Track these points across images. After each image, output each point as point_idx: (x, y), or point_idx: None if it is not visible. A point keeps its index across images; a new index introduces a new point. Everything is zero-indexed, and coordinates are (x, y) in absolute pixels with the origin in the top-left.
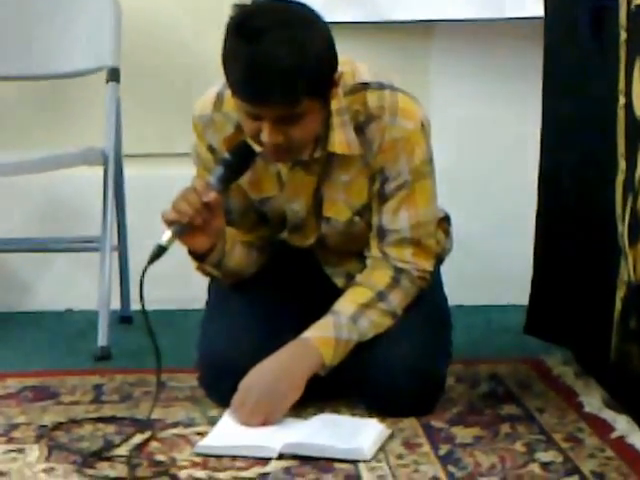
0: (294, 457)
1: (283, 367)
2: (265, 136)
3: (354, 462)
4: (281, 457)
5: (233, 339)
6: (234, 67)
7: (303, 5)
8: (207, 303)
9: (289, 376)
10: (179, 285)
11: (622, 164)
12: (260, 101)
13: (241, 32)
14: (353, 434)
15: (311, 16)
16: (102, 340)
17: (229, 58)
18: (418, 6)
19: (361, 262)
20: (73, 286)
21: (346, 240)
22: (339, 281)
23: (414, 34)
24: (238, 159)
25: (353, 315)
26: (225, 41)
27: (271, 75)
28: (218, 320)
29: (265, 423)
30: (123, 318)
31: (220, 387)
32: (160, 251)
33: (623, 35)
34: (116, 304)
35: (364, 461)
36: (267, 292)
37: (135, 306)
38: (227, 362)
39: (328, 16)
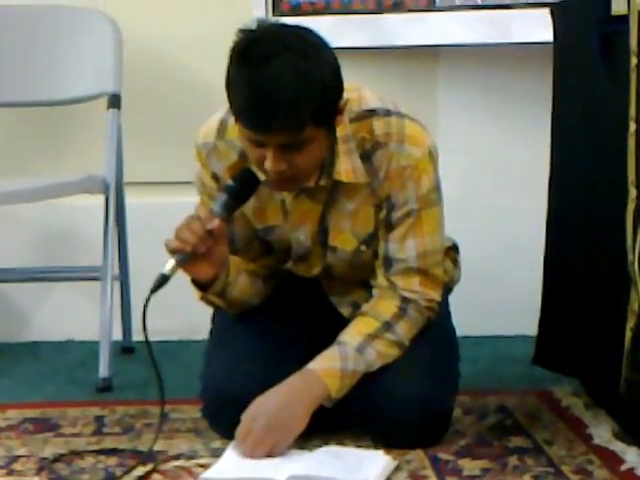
0: None
1: (288, 398)
2: (269, 164)
3: None
4: None
5: (237, 370)
6: (238, 93)
7: (309, 31)
8: (211, 333)
9: (294, 408)
10: (182, 315)
11: (632, 192)
12: (264, 128)
13: (246, 58)
14: (358, 466)
15: (317, 42)
16: (103, 371)
17: (233, 84)
18: (424, 31)
19: (367, 291)
20: (74, 316)
21: (352, 269)
22: (345, 311)
23: (420, 59)
24: (241, 186)
25: (359, 346)
26: (229, 67)
27: (275, 102)
28: (222, 351)
29: (270, 455)
30: (125, 349)
31: (224, 418)
32: (163, 280)
33: (634, 60)
34: (117, 334)
35: None
36: (272, 322)
37: (137, 336)
38: (231, 393)
39: (334, 41)
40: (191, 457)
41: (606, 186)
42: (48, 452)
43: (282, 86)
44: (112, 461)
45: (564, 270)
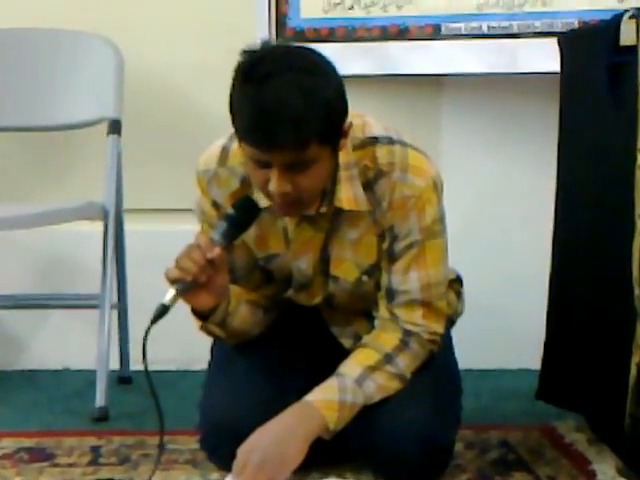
0: None
1: (284, 431)
2: (273, 185)
3: None
4: None
5: (236, 401)
6: (242, 111)
7: (313, 51)
8: (210, 363)
9: (291, 440)
10: (180, 345)
11: (639, 225)
12: (269, 145)
13: (250, 76)
14: None
15: (322, 62)
16: (100, 401)
17: (237, 103)
18: (429, 59)
19: (369, 322)
20: (70, 344)
21: (354, 300)
22: (346, 342)
23: (425, 87)
24: (242, 214)
25: (358, 378)
26: (233, 86)
27: (280, 118)
28: (221, 381)
29: None
30: (122, 378)
31: (222, 450)
32: (163, 310)
33: None
34: (115, 363)
35: None
36: (271, 353)
37: (134, 366)
38: (229, 425)
39: (337, 69)
40: None
41: (612, 219)
42: None
43: (286, 102)
44: None
45: (568, 304)
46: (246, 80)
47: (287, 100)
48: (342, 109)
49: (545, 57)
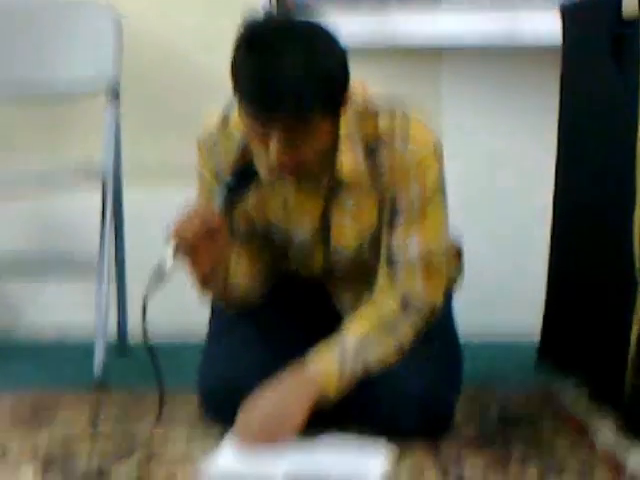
0: None
1: (284, 396)
2: (273, 154)
3: None
4: None
5: (236, 362)
6: (244, 80)
7: (316, 21)
8: (208, 331)
9: (290, 407)
10: (179, 316)
11: None
12: (269, 116)
13: (252, 44)
14: (359, 461)
15: (324, 32)
16: (98, 370)
17: (239, 71)
18: (429, 30)
19: (369, 290)
20: (68, 314)
21: (354, 268)
22: (346, 310)
23: (424, 58)
24: (241, 182)
25: (358, 346)
26: (235, 54)
27: (282, 88)
28: (220, 347)
29: (266, 449)
30: (120, 348)
31: (222, 410)
32: (162, 275)
33: None
34: (113, 333)
35: None
36: (271, 318)
37: (133, 336)
38: (229, 385)
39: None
40: (187, 454)
41: (614, 190)
42: (43, 441)
43: (288, 71)
44: (108, 448)
45: (568, 272)
46: (248, 49)
47: (289, 69)
48: (344, 79)
49: (545, 29)
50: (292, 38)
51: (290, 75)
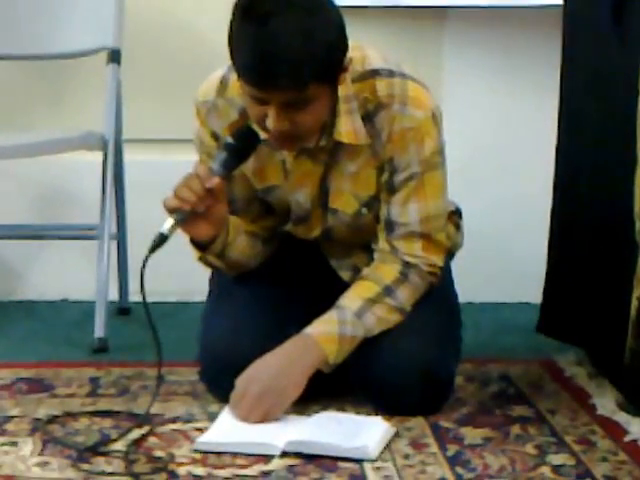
0: (297, 455)
1: (284, 363)
2: (271, 122)
3: (359, 461)
4: (284, 455)
5: (235, 333)
6: (241, 50)
7: None
8: (209, 295)
9: (290, 373)
10: (180, 276)
11: None
12: (267, 85)
13: (249, 15)
14: (358, 432)
15: (321, 0)
16: (99, 331)
17: (236, 41)
18: None
19: (368, 255)
20: (69, 275)
21: (353, 232)
22: (345, 274)
23: (426, 19)
24: (242, 144)
25: (358, 310)
26: (232, 23)
27: (279, 59)
28: (220, 313)
29: (264, 419)
30: (121, 309)
31: (221, 382)
32: (162, 240)
33: None
34: (114, 294)
35: (369, 460)
36: (271, 285)
37: (134, 297)
38: (229, 356)
39: (337, 2)
40: (188, 420)
41: (614, 153)
42: (42, 413)
43: (286, 44)
44: (107, 423)
45: (570, 237)
46: (246, 18)
47: (287, 41)
48: (342, 48)
49: None
50: (290, 9)
51: (288, 48)
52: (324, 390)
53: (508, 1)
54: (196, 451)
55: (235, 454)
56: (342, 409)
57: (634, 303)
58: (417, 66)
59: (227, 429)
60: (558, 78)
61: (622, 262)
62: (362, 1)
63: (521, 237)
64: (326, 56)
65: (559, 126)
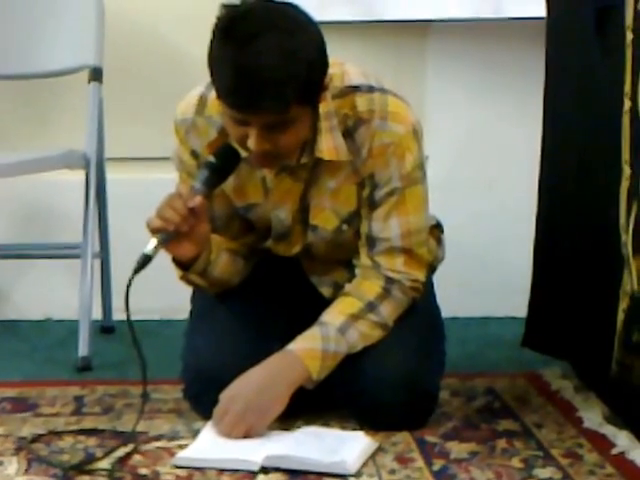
0: (282, 471)
1: (267, 380)
2: (252, 143)
3: (344, 477)
4: (269, 471)
5: (218, 350)
6: (222, 73)
7: (294, 7)
8: (191, 313)
9: (273, 389)
10: (163, 294)
11: (627, 171)
12: (250, 108)
13: (230, 36)
14: (337, 447)
15: (302, 19)
16: (83, 350)
17: (217, 63)
18: (413, 5)
19: (349, 271)
20: (53, 294)
21: (333, 249)
22: (326, 291)
23: (409, 34)
24: (223, 162)
25: (341, 326)
26: (212, 44)
27: (261, 83)
28: (203, 331)
29: (247, 435)
30: (104, 328)
31: (205, 399)
32: (145, 261)
33: (629, 36)
34: (97, 313)
35: (354, 476)
36: (252, 302)
37: (117, 315)
38: (212, 373)
39: (320, 15)
40: (172, 438)
41: (599, 164)
42: (26, 432)
43: (267, 66)
44: (92, 441)
45: (555, 250)
46: (227, 39)
47: (268, 63)
48: (323, 67)
49: (529, 2)
50: (271, 30)
51: (270, 70)
52: (309, 406)
53: (491, 14)
54: (175, 467)
55: (220, 471)
56: (327, 425)
57: (620, 316)
58: (400, 81)
59: (207, 445)
60: (541, 91)
61: (607, 275)
62: (345, 16)
63: (506, 251)
64: (308, 77)
65: (544, 138)
